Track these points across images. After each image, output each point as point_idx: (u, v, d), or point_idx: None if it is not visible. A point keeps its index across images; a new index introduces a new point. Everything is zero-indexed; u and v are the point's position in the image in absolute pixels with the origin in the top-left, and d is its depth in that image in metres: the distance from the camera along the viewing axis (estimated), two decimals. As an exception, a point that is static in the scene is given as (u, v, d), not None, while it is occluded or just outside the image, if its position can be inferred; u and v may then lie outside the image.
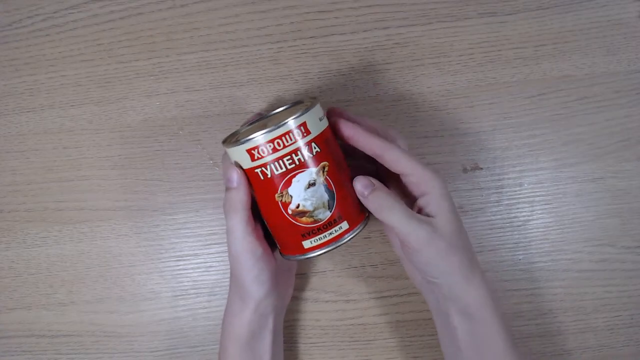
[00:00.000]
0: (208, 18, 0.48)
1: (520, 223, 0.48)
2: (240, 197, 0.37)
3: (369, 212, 0.38)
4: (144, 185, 0.49)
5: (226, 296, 0.48)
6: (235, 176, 0.36)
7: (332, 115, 0.39)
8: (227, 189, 0.37)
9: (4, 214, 0.50)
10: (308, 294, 0.48)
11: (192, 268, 0.49)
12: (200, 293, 0.49)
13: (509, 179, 0.48)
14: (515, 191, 0.48)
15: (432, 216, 0.37)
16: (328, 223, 0.37)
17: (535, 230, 0.48)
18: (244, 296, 0.39)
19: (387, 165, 0.38)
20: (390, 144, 0.37)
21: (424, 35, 0.48)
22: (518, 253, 0.48)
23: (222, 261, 0.49)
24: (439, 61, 0.48)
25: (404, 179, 0.38)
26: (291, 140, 0.35)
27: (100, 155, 0.49)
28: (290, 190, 0.36)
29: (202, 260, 0.49)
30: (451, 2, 0.48)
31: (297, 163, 0.35)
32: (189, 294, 0.49)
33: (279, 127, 0.35)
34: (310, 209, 0.36)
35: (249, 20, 0.48)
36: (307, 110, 0.35)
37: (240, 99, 0.49)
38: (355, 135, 0.37)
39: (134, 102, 0.49)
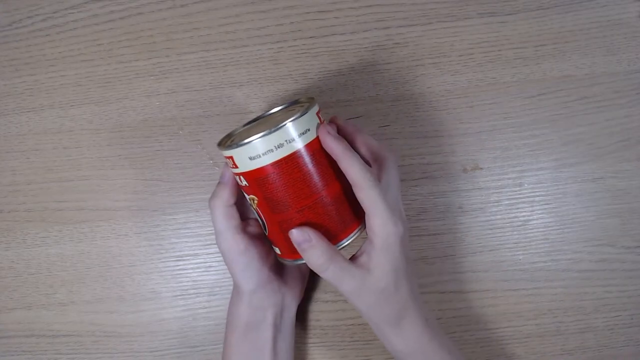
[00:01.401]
0: (208, 18, 0.48)
1: (520, 223, 0.48)
2: (221, 192, 0.38)
3: None
4: (144, 185, 0.49)
5: (226, 296, 0.48)
6: (226, 174, 0.39)
7: (321, 131, 0.35)
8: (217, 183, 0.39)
9: (4, 214, 0.50)
10: (308, 294, 0.48)
11: (192, 268, 0.49)
12: (200, 293, 0.49)
13: (509, 179, 0.48)
14: (515, 191, 0.48)
15: (367, 268, 0.35)
16: (268, 239, 0.39)
17: (535, 230, 0.48)
18: (237, 288, 0.41)
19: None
20: (362, 179, 0.34)
21: (424, 35, 0.48)
22: (518, 253, 0.48)
23: (221, 261, 0.48)
24: (439, 61, 0.48)
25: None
26: (229, 165, 0.36)
27: (100, 155, 0.49)
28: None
29: (202, 260, 0.49)
30: (451, 2, 0.48)
31: (241, 183, 0.37)
32: (189, 294, 0.49)
33: (221, 147, 0.36)
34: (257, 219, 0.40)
35: (249, 20, 0.48)
36: (235, 145, 0.34)
37: (240, 99, 0.49)
38: (338, 157, 0.34)
39: (134, 102, 0.49)
